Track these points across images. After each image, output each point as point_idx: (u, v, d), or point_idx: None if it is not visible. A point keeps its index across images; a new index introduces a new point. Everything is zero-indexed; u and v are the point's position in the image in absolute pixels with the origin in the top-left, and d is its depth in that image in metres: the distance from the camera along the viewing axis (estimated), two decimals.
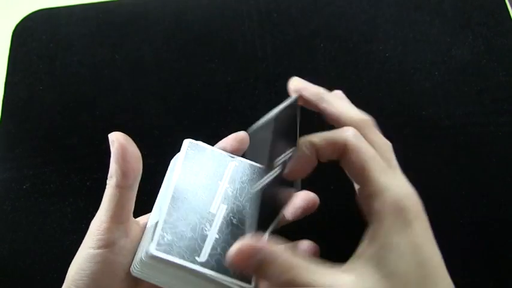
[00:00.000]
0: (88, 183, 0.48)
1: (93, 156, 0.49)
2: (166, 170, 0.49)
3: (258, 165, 0.37)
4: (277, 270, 0.27)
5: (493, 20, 0.55)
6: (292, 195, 0.36)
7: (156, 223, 0.31)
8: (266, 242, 0.28)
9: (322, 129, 0.32)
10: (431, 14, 0.56)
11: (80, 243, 0.39)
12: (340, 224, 0.44)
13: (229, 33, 0.56)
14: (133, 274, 0.31)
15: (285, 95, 0.53)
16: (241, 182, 0.36)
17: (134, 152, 0.32)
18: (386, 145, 0.32)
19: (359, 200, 0.31)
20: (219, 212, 0.34)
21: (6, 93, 0.54)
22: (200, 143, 0.37)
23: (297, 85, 0.35)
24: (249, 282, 0.32)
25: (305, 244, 0.35)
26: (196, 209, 0.33)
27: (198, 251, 0.31)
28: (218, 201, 0.34)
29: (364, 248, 0.29)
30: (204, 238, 0.32)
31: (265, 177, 0.30)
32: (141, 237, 0.33)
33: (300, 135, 0.33)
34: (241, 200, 0.35)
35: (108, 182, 0.32)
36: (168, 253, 0.30)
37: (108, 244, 0.31)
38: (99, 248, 0.31)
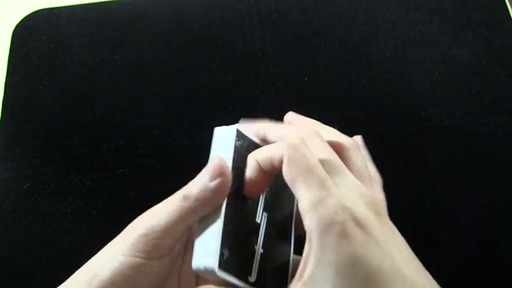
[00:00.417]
0: (88, 183, 0.48)
1: (93, 156, 0.49)
2: (167, 170, 0.49)
3: None
4: None
5: (493, 20, 0.55)
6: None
7: (215, 231, 0.28)
8: None
9: None
10: (431, 14, 0.56)
11: (80, 243, 0.39)
12: None
13: (229, 33, 0.56)
14: (195, 270, 0.29)
15: (285, 95, 0.54)
16: (276, 188, 0.32)
17: (229, 187, 0.29)
18: (331, 152, 0.29)
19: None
20: (263, 222, 0.30)
21: (6, 93, 0.54)
22: (246, 132, 0.32)
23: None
24: None
25: None
26: (245, 218, 0.30)
27: (249, 269, 0.29)
28: (261, 209, 0.31)
29: (301, 269, 0.26)
30: (252, 254, 0.29)
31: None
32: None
33: None
34: (277, 207, 0.32)
35: (184, 201, 0.29)
36: (227, 271, 0.27)
37: (159, 257, 0.29)
38: (149, 258, 0.29)
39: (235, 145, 0.30)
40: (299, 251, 0.30)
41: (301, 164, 0.27)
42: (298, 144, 0.28)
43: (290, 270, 0.30)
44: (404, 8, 0.56)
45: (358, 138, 0.33)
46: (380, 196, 0.30)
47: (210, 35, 0.56)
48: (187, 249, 0.32)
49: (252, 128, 0.32)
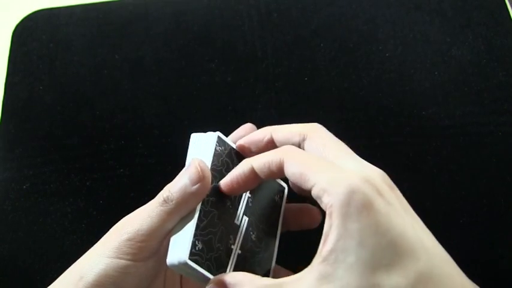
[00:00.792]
0: (88, 183, 0.48)
1: (93, 156, 0.49)
2: (167, 170, 0.49)
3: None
4: None
5: (493, 20, 0.55)
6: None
7: (189, 227, 0.29)
8: (234, 277, 0.28)
9: None
10: (431, 14, 0.56)
11: (80, 243, 0.39)
12: None
13: (229, 33, 0.56)
14: (169, 266, 0.30)
15: (285, 95, 0.54)
16: (259, 195, 0.34)
17: (208, 189, 0.31)
18: (331, 140, 0.31)
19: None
20: (242, 224, 0.32)
21: (6, 93, 0.54)
22: (227, 139, 0.34)
23: (241, 146, 0.34)
24: None
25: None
26: (223, 218, 0.31)
27: (224, 265, 0.30)
28: (241, 213, 0.32)
29: (321, 247, 0.27)
30: (229, 252, 0.30)
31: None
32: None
33: None
34: (259, 213, 0.33)
35: (165, 205, 0.30)
36: (199, 264, 0.28)
37: (143, 258, 0.30)
38: (133, 260, 0.30)
39: (215, 149, 0.32)
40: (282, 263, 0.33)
41: (304, 158, 0.28)
42: (294, 148, 0.29)
43: (271, 275, 0.32)
44: (404, 8, 0.56)
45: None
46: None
47: (210, 35, 0.56)
48: None
49: (257, 133, 0.33)
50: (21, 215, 0.47)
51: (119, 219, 0.33)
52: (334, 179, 0.26)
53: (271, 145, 0.33)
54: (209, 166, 0.31)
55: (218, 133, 0.33)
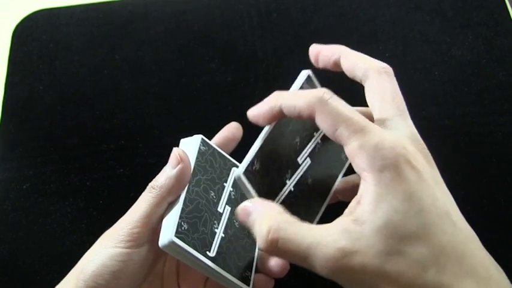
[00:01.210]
0: (88, 183, 0.48)
1: (93, 156, 0.49)
2: None
3: None
4: (265, 229, 0.27)
5: (493, 20, 0.55)
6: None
7: (175, 211, 0.32)
8: (260, 205, 0.29)
9: None
10: (431, 14, 0.56)
11: (80, 243, 0.39)
12: None
13: (229, 33, 0.56)
14: (161, 247, 0.32)
15: None
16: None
17: (189, 174, 0.34)
18: (388, 91, 0.31)
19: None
20: (225, 212, 0.35)
21: (6, 93, 0.54)
22: (210, 142, 0.38)
23: (313, 51, 0.35)
24: (248, 284, 0.34)
25: (275, 259, 0.35)
26: (207, 205, 0.34)
27: (208, 245, 0.33)
28: (224, 202, 0.35)
29: (353, 205, 0.27)
30: (213, 235, 0.33)
31: (297, 173, 0.31)
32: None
33: None
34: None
35: (153, 191, 0.33)
36: (185, 241, 0.31)
37: (137, 245, 0.32)
38: (128, 247, 0.32)
39: (199, 148, 0.36)
40: None
41: (337, 115, 0.28)
42: (329, 98, 0.28)
43: (255, 261, 0.35)
44: (404, 8, 0.56)
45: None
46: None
47: (210, 35, 0.56)
48: None
49: (267, 103, 0.32)
50: (21, 215, 0.47)
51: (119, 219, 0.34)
52: (368, 144, 0.27)
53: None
54: (193, 161, 0.35)
55: (201, 135, 0.37)
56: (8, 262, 0.45)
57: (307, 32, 0.55)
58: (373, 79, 0.31)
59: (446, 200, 0.28)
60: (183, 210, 0.32)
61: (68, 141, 0.50)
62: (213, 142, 0.39)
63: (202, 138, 0.36)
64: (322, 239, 0.26)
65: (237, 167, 0.38)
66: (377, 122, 0.29)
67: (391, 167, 0.26)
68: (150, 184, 0.33)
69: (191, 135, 0.37)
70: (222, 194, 0.35)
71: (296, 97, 0.30)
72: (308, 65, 0.52)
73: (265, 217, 0.28)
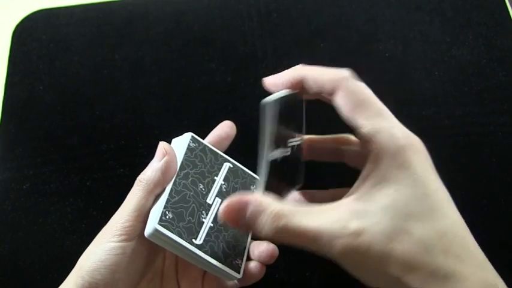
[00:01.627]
0: (88, 183, 0.48)
1: (93, 156, 0.49)
2: None
3: (250, 172, 0.40)
4: (268, 221, 0.27)
5: (493, 20, 0.55)
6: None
7: (161, 201, 0.34)
8: (254, 196, 0.29)
9: (328, 123, 0.33)
10: (431, 14, 0.56)
11: (80, 243, 0.39)
12: None
13: (229, 33, 0.56)
14: (146, 236, 0.33)
15: None
16: (235, 183, 0.38)
17: (175, 166, 0.35)
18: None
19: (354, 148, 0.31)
20: (215, 203, 0.36)
21: (6, 93, 0.54)
22: (201, 139, 0.39)
23: (269, 83, 0.35)
24: (238, 271, 0.35)
25: (264, 245, 0.36)
26: (195, 197, 0.35)
27: (195, 234, 0.34)
28: (214, 194, 0.36)
29: (357, 186, 0.28)
30: (200, 224, 0.34)
31: (276, 152, 0.32)
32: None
33: (307, 128, 0.34)
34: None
35: (140, 184, 0.34)
36: (169, 229, 0.32)
37: (130, 239, 0.33)
38: (120, 241, 0.33)
39: (188, 145, 0.37)
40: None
41: (359, 95, 0.29)
42: (353, 77, 0.29)
43: (246, 250, 0.36)
44: (404, 8, 0.56)
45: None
46: None
47: (210, 35, 0.56)
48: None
49: (288, 73, 0.33)
50: (21, 215, 0.47)
51: None
52: (384, 128, 0.28)
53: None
54: (182, 156, 0.36)
55: (191, 133, 0.38)
56: (8, 262, 0.45)
57: (307, 32, 0.55)
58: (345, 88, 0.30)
59: (445, 190, 0.29)
60: (168, 200, 0.33)
61: (68, 141, 0.50)
62: (206, 141, 0.39)
63: (191, 136, 0.38)
64: (331, 221, 0.27)
65: (229, 162, 0.39)
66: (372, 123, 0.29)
67: (402, 152, 0.27)
68: (138, 178, 0.34)
69: (172, 140, 0.39)
70: (212, 187, 0.37)
71: (321, 71, 0.31)
72: (307, 63, 0.52)
73: (269, 205, 0.28)
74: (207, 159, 0.38)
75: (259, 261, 0.36)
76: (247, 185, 0.39)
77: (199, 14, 0.57)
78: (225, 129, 0.40)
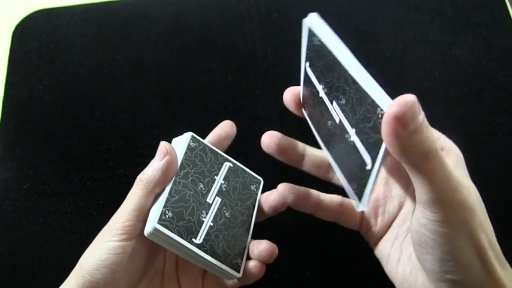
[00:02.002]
0: (88, 183, 0.48)
1: (93, 156, 0.49)
2: None
3: (250, 171, 0.40)
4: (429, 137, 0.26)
5: (493, 20, 0.55)
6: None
7: (161, 200, 0.34)
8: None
9: None
10: (431, 14, 0.56)
11: (80, 243, 0.40)
12: None
13: (229, 33, 0.56)
14: (146, 235, 0.33)
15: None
16: (235, 183, 0.38)
17: (176, 166, 0.35)
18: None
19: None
20: (215, 203, 0.36)
21: (6, 93, 0.54)
22: (201, 139, 0.39)
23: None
24: (237, 271, 0.35)
25: (264, 244, 0.36)
26: (195, 196, 0.35)
27: (195, 233, 0.34)
28: (214, 194, 0.37)
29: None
30: (200, 223, 0.35)
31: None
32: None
33: None
34: (234, 197, 0.37)
35: (140, 184, 0.34)
36: (168, 228, 0.32)
37: (130, 238, 0.33)
38: (121, 240, 0.33)
39: (188, 144, 0.37)
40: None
41: (426, 147, 0.26)
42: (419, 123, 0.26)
43: (246, 249, 0.36)
44: (404, 8, 0.56)
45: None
46: None
47: (210, 35, 0.56)
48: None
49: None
50: (21, 215, 0.47)
51: None
52: (453, 148, 0.32)
53: None
54: (182, 156, 0.36)
55: (191, 133, 0.38)
56: (8, 262, 0.45)
57: None
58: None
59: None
60: (167, 199, 0.34)
61: (68, 141, 0.50)
62: (206, 140, 0.39)
63: (192, 135, 0.38)
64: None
65: (229, 161, 0.39)
66: None
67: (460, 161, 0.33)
68: (138, 177, 0.35)
69: (172, 140, 0.39)
70: (212, 186, 0.37)
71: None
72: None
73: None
74: (207, 158, 0.38)
75: (259, 260, 0.36)
76: (247, 184, 0.39)
77: (199, 14, 0.57)
78: (225, 128, 0.40)
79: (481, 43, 0.54)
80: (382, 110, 0.25)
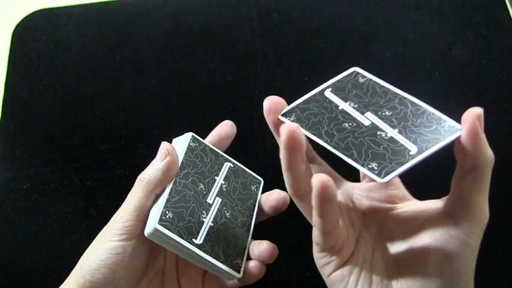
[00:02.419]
0: (88, 183, 0.48)
1: (93, 156, 0.49)
2: None
3: (250, 172, 0.40)
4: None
5: (493, 20, 0.55)
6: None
7: (161, 201, 0.34)
8: None
9: None
10: (431, 14, 0.56)
11: (80, 243, 0.40)
12: None
13: (229, 33, 0.56)
14: (146, 235, 0.33)
15: (285, 95, 0.53)
16: (235, 183, 0.38)
17: (177, 167, 0.35)
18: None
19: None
20: (215, 203, 0.36)
21: (6, 93, 0.54)
22: (201, 139, 0.39)
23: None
24: (238, 271, 0.35)
25: (264, 244, 0.36)
26: (195, 197, 0.35)
27: (195, 233, 0.34)
28: (214, 194, 0.37)
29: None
30: (201, 224, 0.35)
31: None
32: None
33: None
34: (234, 198, 0.37)
35: (141, 184, 0.34)
36: (169, 229, 0.32)
37: (130, 238, 0.33)
38: (121, 240, 0.33)
39: (189, 144, 0.37)
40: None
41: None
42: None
43: (247, 249, 0.36)
44: (404, 8, 0.56)
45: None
46: None
47: (210, 35, 0.56)
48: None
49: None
50: (21, 215, 0.47)
51: None
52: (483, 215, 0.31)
53: None
54: (182, 156, 0.36)
55: (191, 133, 0.38)
56: (8, 262, 0.45)
57: (307, 32, 0.55)
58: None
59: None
60: (168, 200, 0.34)
61: (68, 141, 0.50)
62: (206, 140, 0.39)
63: (192, 135, 0.38)
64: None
65: (230, 161, 0.39)
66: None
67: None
68: (139, 177, 0.34)
69: (172, 140, 0.39)
70: (212, 187, 0.37)
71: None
72: (308, 63, 0.52)
73: None
74: (207, 159, 0.38)
75: (259, 260, 0.36)
76: (247, 184, 0.39)
77: (199, 14, 0.57)
78: (225, 128, 0.40)
79: (481, 43, 0.54)
80: (446, 121, 0.33)
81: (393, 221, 0.34)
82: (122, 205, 0.34)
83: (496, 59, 0.53)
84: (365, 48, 0.54)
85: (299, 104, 0.33)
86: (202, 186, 0.36)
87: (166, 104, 0.52)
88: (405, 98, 0.33)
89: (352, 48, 0.55)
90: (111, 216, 0.35)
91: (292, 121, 0.32)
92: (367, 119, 0.32)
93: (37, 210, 0.47)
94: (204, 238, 0.34)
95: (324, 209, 0.28)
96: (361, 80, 0.35)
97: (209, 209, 0.36)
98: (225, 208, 0.36)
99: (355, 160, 0.30)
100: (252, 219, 0.38)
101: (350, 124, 0.32)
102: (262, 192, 0.39)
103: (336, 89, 0.34)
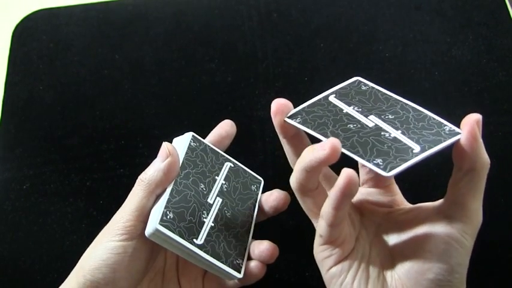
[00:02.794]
0: (88, 183, 0.48)
1: (93, 156, 0.49)
2: None
3: (251, 171, 0.40)
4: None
5: (493, 20, 0.55)
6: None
7: (162, 201, 0.34)
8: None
9: None
10: (431, 14, 0.56)
11: (80, 243, 0.40)
12: None
13: (229, 33, 0.56)
14: (147, 236, 0.33)
15: (285, 95, 0.53)
16: (236, 183, 0.38)
17: (178, 167, 0.35)
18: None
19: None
20: (216, 203, 0.36)
21: (6, 93, 0.54)
22: (201, 139, 0.39)
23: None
24: (238, 271, 0.35)
25: (264, 244, 0.36)
26: (196, 197, 0.35)
27: (196, 234, 0.34)
28: (215, 194, 0.37)
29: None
30: (201, 224, 0.35)
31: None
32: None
33: None
34: (235, 198, 0.37)
35: (141, 184, 0.34)
36: (170, 229, 0.32)
37: (131, 238, 0.33)
38: (122, 240, 0.33)
39: (189, 144, 0.37)
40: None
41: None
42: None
43: (247, 249, 0.36)
44: (404, 8, 0.56)
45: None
46: None
47: (210, 35, 0.56)
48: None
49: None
50: (21, 215, 0.47)
51: None
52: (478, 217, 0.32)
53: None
54: (183, 156, 0.36)
55: (192, 133, 0.38)
56: (8, 262, 0.45)
57: (307, 32, 0.55)
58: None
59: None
60: (169, 200, 0.34)
61: (68, 141, 0.50)
62: (207, 140, 0.39)
63: (192, 135, 0.38)
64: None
65: (230, 161, 0.39)
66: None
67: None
68: (139, 177, 0.34)
69: (173, 140, 0.39)
70: (213, 186, 0.37)
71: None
72: (308, 63, 0.52)
73: None
74: (208, 158, 0.38)
75: (259, 260, 0.36)
76: (248, 184, 0.39)
77: (199, 14, 0.57)
78: (225, 128, 0.40)
79: (481, 43, 0.54)
80: (446, 125, 0.33)
81: (390, 221, 0.35)
82: (123, 205, 0.34)
83: (496, 59, 0.53)
84: (365, 48, 0.54)
85: (304, 107, 0.34)
86: (202, 186, 0.36)
87: (166, 104, 0.52)
88: (407, 104, 0.35)
89: (352, 48, 0.55)
90: (111, 216, 0.35)
91: (298, 123, 0.33)
92: (371, 121, 0.33)
93: (37, 210, 0.47)
94: (205, 238, 0.34)
95: (343, 203, 0.29)
96: (363, 87, 0.36)
97: (210, 209, 0.36)
98: (225, 208, 0.36)
99: (361, 156, 0.30)
100: (252, 219, 0.38)
101: (355, 125, 0.33)
102: (263, 192, 0.39)
103: (340, 95, 0.35)
